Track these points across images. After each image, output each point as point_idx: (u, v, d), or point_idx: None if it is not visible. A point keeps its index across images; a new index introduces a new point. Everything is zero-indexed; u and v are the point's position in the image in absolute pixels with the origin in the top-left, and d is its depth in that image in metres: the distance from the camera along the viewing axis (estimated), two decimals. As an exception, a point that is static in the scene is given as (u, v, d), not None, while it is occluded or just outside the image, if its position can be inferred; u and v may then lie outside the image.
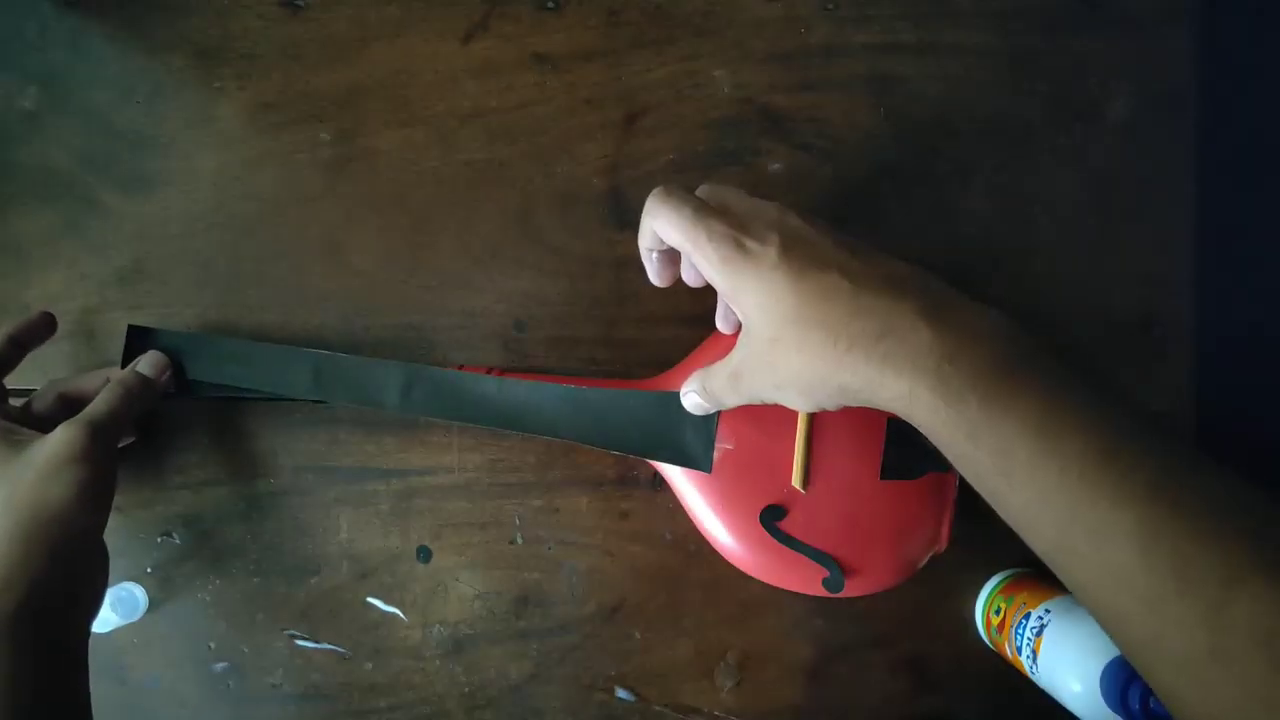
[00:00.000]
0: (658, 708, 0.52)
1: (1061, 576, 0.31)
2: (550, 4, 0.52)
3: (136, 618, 0.51)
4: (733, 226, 0.36)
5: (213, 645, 0.52)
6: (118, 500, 0.52)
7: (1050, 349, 0.33)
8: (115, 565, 0.52)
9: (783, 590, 0.48)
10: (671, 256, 0.43)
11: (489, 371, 0.49)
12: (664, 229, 0.38)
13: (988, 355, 0.32)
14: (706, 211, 0.37)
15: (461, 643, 0.52)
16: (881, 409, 0.34)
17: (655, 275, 0.44)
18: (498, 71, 0.52)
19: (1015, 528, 0.32)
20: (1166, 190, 0.52)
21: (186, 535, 0.52)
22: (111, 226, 0.52)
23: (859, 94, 0.52)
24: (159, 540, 0.52)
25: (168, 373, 0.49)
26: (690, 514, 0.48)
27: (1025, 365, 0.32)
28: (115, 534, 0.52)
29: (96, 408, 0.45)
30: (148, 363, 0.49)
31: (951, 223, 0.52)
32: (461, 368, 0.50)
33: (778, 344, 0.35)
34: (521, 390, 0.48)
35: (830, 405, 0.36)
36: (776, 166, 0.52)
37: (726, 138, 0.52)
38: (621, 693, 0.52)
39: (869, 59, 0.52)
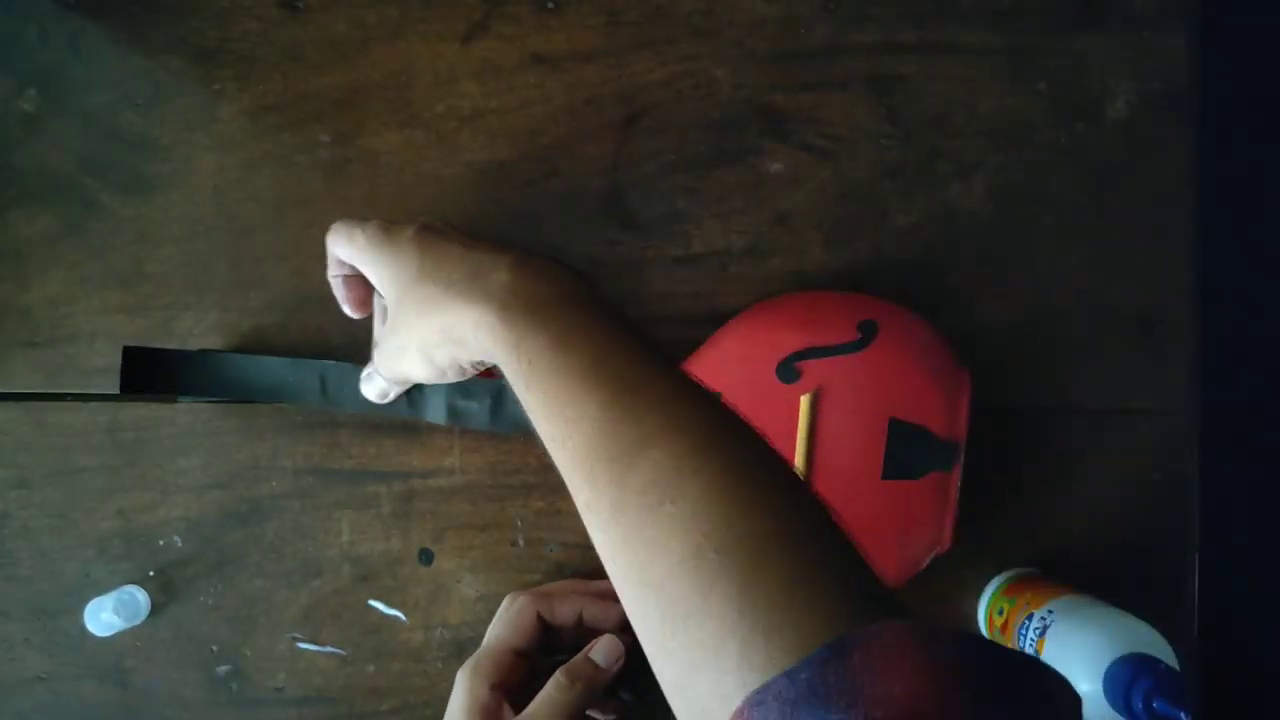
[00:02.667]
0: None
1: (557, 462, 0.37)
2: (550, 4, 0.52)
3: (139, 621, 0.51)
4: (385, 223, 0.43)
5: (215, 648, 0.52)
6: (120, 504, 0.52)
7: (604, 301, 0.40)
8: (117, 569, 0.52)
9: (785, 591, 0.48)
10: (353, 279, 0.47)
11: (489, 374, 0.49)
12: (336, 244, 0.44)
13: (547, 292, 0.38)
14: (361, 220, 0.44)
15: (464, 645, 0.52)
16: (471, 349, 0.39)
17: (343, 300, 0.48)
18: (498, 72, 0.52)
19: (533, 419, 0.38)
20: (1166, 190, 0.52)
21: (188, 539, 0.52)
22: (111, 229, 0.52)
23: (859, 94, 0.52)
24: (161, 544, 0.52)
25: (620, 660, 0.47)
26: (692, 515, 0.48)
27: (574, 304, 0.38)
28: (117, 538, 0.52)
29: (542, 711, 0.45)
30: (602, 651, 0.47)
31: (952, 222, 0.52)
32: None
33: (402, 304, 0.41)
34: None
35: (443, 359, 0.41)
36: (777, 166, 0.52)
37: (726, 138, 0.52)
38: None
39: (869, 59, 0.52)
